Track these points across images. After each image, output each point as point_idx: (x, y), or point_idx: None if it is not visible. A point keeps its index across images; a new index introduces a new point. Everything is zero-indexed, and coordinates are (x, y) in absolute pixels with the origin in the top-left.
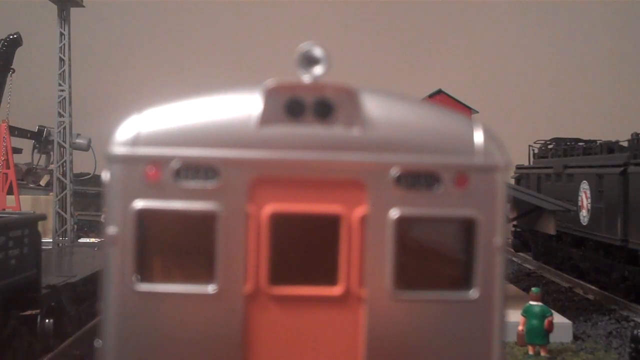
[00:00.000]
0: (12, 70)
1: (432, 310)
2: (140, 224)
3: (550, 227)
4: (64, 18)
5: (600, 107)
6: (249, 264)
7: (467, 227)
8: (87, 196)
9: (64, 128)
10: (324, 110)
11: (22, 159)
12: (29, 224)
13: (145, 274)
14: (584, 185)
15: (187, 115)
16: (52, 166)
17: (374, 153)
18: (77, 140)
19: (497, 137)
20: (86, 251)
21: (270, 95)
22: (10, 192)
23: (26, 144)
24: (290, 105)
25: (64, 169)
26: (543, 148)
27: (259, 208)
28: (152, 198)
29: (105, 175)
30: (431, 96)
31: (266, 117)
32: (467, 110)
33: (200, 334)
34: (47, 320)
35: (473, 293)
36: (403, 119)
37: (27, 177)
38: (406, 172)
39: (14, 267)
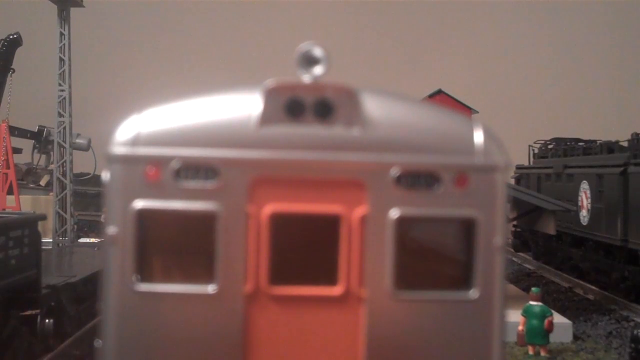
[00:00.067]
0: (12, 70)
1: (432, 310)
2: (140, 224)
3: (550, 227)
4: (64, 18)
5: (600, 107)
6: (249, 264)
7: (467, 227)
8: (87, 196)
9: (64, 128)
10: (324, 110)
11: (22, 159)
12: (29, 224)
13: (145, 274)
14: (584, 185)
15: (187, 115)
16: (52, 166)
17: (374, 153)
18: (77, 140)
19: (497, 137)
20: (86, 251)
21: (270, 95)
22: (10, 192)
23: (26, 144)
24: (290, 105)
25: (64, 169)
26: (543, 148)
27: (259, 208)
28: (152, 198)
29: (105, 175)
30: (431, 96)
31: (266, 117)
32: (467, 110)
33: (200, 334)
34: (47, 320)
35: (473, 293)
36: (403, 119)
37: (27, 177)
38: (406, 172)
39: (14, 267)
